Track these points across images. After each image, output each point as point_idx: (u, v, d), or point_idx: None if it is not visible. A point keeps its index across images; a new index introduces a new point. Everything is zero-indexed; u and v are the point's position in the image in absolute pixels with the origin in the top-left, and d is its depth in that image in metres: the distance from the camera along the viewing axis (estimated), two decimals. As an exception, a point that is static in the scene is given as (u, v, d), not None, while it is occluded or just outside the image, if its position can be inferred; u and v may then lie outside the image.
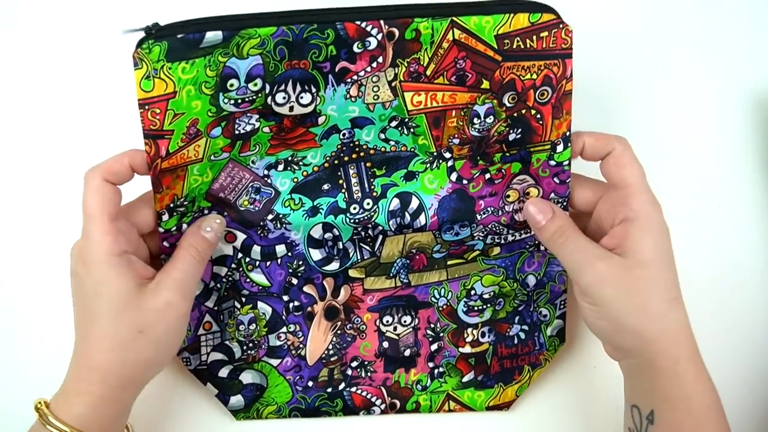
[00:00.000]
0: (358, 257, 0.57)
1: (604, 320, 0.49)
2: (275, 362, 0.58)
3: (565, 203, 0.53)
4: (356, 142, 0.53)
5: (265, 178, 0.54)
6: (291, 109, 0.50)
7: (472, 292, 0.58)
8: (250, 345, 0.57)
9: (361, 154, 0.53)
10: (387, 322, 0.58)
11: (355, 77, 0.50)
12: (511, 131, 0.52)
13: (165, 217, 0.51)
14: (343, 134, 0.52)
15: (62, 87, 0.65)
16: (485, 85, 0.50)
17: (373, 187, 0.54)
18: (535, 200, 0.53)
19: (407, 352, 0.59)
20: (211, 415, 0.59)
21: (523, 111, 0.51)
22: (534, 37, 0.49)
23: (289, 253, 0.56)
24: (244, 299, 0.57)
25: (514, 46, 0.49)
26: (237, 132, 0.51)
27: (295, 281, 0.57)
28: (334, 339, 0.58)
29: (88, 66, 0.65)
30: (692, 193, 0.64)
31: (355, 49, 0.49)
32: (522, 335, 0.58)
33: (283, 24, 0.48)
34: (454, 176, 0.54)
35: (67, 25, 0.66)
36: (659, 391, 0.48)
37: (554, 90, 0.50)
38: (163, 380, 0.58)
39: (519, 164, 0.53)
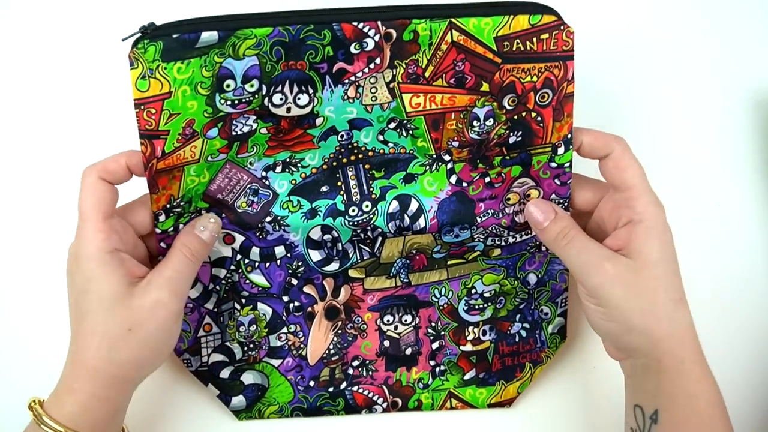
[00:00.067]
0: (358, 258, 0.56)
1: (612, 321, 0.49)
2: (276, 363, 0.58)
3: (566, 204, 0.53)
4: (354, 144, 0.52)
5: (263, 180, 0.53)
6: (288, 110, 0.50)
7: (473, 290, 0.58)
8: (251, 346, 0.57)
9: (360, 156, 0.53)
10: (388, 321, 0.58)
11: (352, 78, 0.49)
12: (512, 134, 0.51)
13: (162, 218, 0.51)
14: (342, 136, 0.52)
15: (61, 87, 0.65)
16: (485, 87, 0.49)
17: (372, 189, 0.54)
18: (537, 201, 0.53)
19: (408, 351, 0.59)
20: (213, 415, 0.59)
21: (524, 114, 0.50)
22: (534, 39, 0.48)
23: (289, 254, 0.56)
24: (243, 300, 0.56)
25: (514, 49, 0.48)
26: (234, 133, 0.50)
27: (294, 282, 0.57)
28: (335, 339, 0.58)
29: (88, 66, 0.65)
30: (692, 193, 0.64)
31: (353, 50, 0.48)
32: (523, 333, 0.58)
33: (279, 24, 0.47)
34: (453, 179, 0.53)
35: (66, 24, 0.66)
36: (664, 390, 0.48)
37: (555, 92, 0.49)
38: (164, 380, 0.59)
39: (519, 167, 0.52)
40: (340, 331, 0.58)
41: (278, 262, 0.56)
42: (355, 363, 0.58)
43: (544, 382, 0.60)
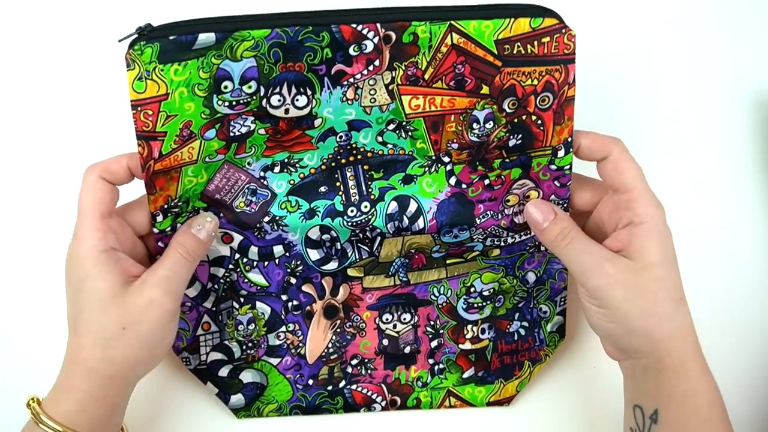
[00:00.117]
0: (357, 257, 0.56)
1: (612, 322, 0.49)
2: (275, 361, 0.58)
3: (565, 205, 0.53)
4: (353, 145, 0.52)
5: (261, 180, 0.53)
6: (287, 111, 0.50)
7: (472, 289, 0.58)
8: (250, 345, 0.57)
9: (359, 156, 0.53)
10: (386, 320, 0.58)
11: (351, 80, 0.49)
12: (511, 137, 0.51)
13: (159, 218, 0.51)
14: (340, 137, 0.51)
15: (58, 88, 0.65)
16: (485, 90, 0.49)
17: (370, 190, 0.53)
18: (536, 202, 0.52)
19: (407, 350, 0.59)
20: (212, 414, 0.59)
21: (524, 117, 0.50)
22: (535, 43, 0.48)
23: (287, 254, 0.56)
24: (242, 299, 0.56)
25: (515, 52, 0.48)
26: (232, 134, 0.50)
27: (293, 281, 0.57)
28: (334, 337, 0.58)
29: (85, 66, 0.65)
30: (693, 193, 0.64)
31: (351, 52, 0.48)
32: (522, 331, 0.58)
33: (277, 26, 0.47)
34: (453, 180, 0.53)
35: (63, 25, 0.66)
36: (664, 390, 0.48)
37: (556, 96, 0.49)
38: (163, 379, 0.59)
39: (519, 169, 0.52)
40: (338, 330, 0.58)
41: (277, 261, 0.56)
42: (354, 361, 0.58)
43: (542, 380, 0.60)
